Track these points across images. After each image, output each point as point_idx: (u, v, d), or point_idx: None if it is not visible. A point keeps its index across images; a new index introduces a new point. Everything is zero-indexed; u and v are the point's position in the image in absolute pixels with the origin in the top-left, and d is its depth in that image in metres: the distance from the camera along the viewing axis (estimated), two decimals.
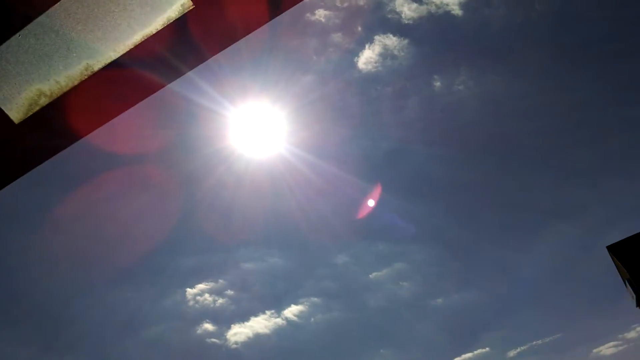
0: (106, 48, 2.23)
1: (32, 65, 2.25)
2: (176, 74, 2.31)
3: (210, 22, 2.13)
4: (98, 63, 2.24)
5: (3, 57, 2.21)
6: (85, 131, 2.33)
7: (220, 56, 2.33)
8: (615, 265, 37.22)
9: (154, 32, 2.20)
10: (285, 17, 2.27)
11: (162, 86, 2.33)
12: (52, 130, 2.31)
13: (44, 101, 2.28)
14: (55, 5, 2.09)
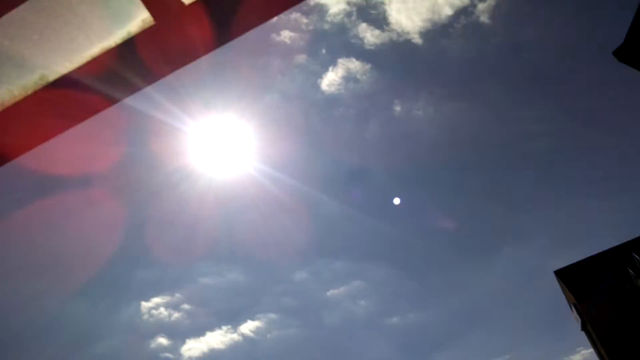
0: (62, 59, 2.20)
1: None
2: (133, 88, 2.30)
3: (170, 39, 2.14)
4: (53, 74, 2.21)
5: None
6: (38, 141, 2.28)
7: (181, 71, 2.34)
8: (562, 289, 38.53)
9: (112, 46, 2.19)
10: (250, 35, 2.30)
11: (119, 100, 2.31)
12: (5, 140, 2.25)
13: None
14: (10, 12, 2.06)
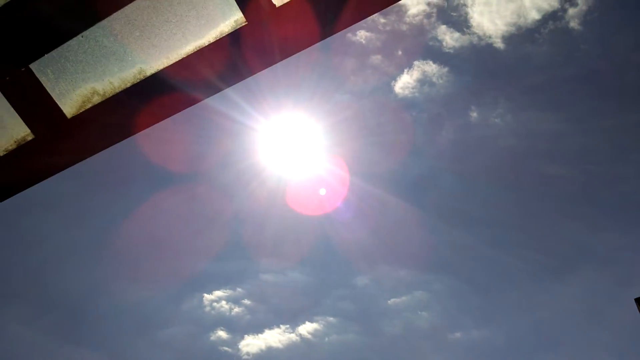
0: (160, 55, 2.34)
1: (89, 65, 2.38)
2: (222, 85, 2.40)
3: (261, 39, 2.22)
4: (151, 69, 2.35)
5: (64, 55, 2.35)
6: (132, 132, 2.44)
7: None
8: None
9: (206, 44, 2.31)
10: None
11: (208, 96, 2.42)
12: (101, 127, 2.43)
13: (96, 99, 2.40)
14: (118, 11, 2.22)
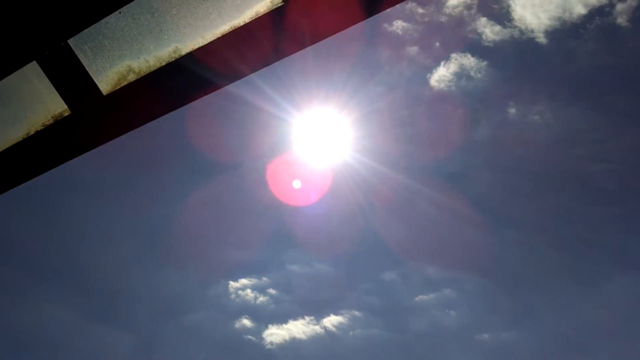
0: (195, 34, 2.34)
1: (125, 42, 2.40)
2: (256, 66, 2.38)
3: (297, 20, 2.19)
4: (186, 47, 2.35)
5: (101, 31, 2.36)
6: (165, 111, 2.45)
7: (288, 60, 2.39)
8: None
9: (241, 24, 2.29)
10: (361, 24, 2.29)
11: (241, 77, 2.41)
12: (136, 105, 2.45)
13: (131, 77, 2.41)
14: None
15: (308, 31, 2.24)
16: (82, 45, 2.36)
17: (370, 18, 2.22)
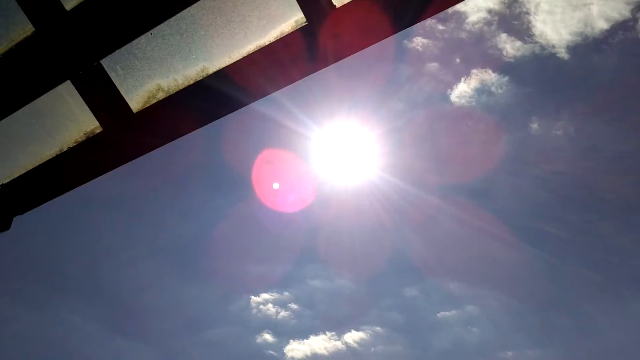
0: (222, 54, 2.42)
1: (155, 62, 2.49)
2: (280, 84, 2.45)
3: (320, 39, 2.25)
4: (213, 66, 2.43)
5: (132, 52, 2.46)
6: (193, 128, 2.53)
7: (309, 77, 2.45)
8: None
9: (266, 44, 2.36)
10: (381, 42, 2.35)
11: (266, 95, 2.48)
12: (165, 122, 2.53)
13: (161, 95, 2.50)
14: (184, 10, 2.31)
15: (331, 50, 2.30)
16: (114, 65, 2.46)
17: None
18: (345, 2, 2.22)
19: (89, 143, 2.66)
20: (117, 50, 2.40)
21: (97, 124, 2.62)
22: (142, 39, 2.41)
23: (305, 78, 2.43)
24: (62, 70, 2.47)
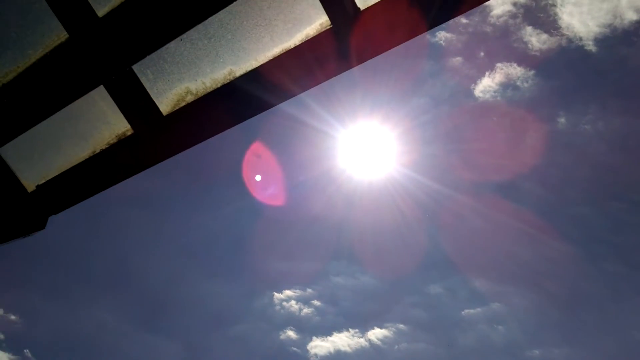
0: (249, 57, 2.47)
1: (184, 66, 2.56)
2: (306, 86, 2.49)
3: (345, 41, 2.29)
4: (240, 70, 2.49)
5: (162, 56, 2.53)
6: (221, 129, 2.59)
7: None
8: None
9: (292, 47, 2.41)
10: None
11: (292, 96, 2.53)
12: (193, 124, 2.60)
13: (189, 98, 2.57)
14: (213, 15, 2.37)
15: (356, 52, 2.34)
16: (144, 70, 2.54)
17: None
18: (369, 5, 2.25)
19: (121, 145, 2.74)
20: (148, 56, 2.47)
21: (128, 126, 2.70)
22: (172, 44, 2.48)
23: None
24: (96, 75, 2.55)
